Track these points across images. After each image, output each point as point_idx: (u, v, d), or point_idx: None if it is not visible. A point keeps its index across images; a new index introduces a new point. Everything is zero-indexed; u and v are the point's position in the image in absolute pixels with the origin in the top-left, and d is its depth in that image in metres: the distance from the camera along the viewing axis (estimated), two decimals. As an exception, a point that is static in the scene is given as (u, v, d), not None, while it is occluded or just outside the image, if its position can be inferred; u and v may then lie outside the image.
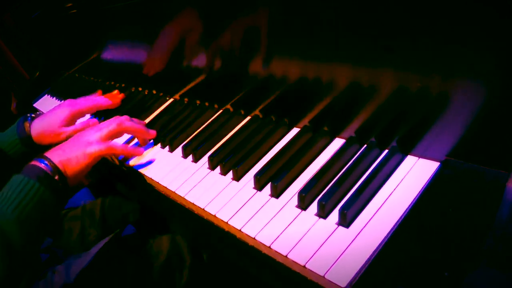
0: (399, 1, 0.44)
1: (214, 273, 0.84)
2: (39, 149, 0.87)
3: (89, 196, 1.09)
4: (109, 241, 0.78)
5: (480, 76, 0.41)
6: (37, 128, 0.86)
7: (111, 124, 0.71)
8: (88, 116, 0.97)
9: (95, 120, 0.88)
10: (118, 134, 0.72)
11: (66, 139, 0.82)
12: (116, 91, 0.96)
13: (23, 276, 0.58)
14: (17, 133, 0.86)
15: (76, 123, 0.88)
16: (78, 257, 0.79)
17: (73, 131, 0.85)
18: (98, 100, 0.91)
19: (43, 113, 0.90)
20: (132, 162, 0.72)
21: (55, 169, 0.63)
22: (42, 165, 0.62)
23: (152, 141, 0.76)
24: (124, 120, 0.73)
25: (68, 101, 0.89)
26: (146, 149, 0.75)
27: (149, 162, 0.70)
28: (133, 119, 0.76)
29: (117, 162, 0.77)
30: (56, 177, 0.62)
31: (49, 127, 0.86)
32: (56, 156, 0.64)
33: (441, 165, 0.47)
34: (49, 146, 0.86)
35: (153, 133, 0.76)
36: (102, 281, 0.74)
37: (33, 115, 0.89)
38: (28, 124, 0.86)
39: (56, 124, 0.85)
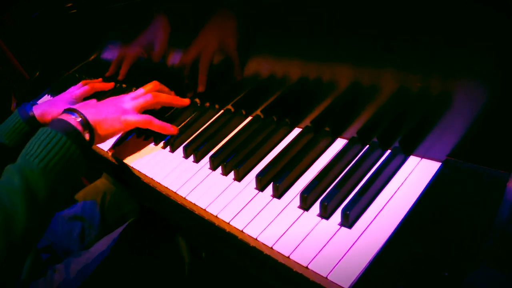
0: (399, 1, 0.44)
1: (213, 271, 0.85)
2: None
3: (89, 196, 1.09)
4: (113, 243, 0.78)
5: (480, 76, 0.41)
6: (40, 107, 0.90)
7: (148, 95, 0.72)
8: None
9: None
10: (152, 106, 0.73)
11: None
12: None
13: (42, 234, 0.57)
14: (20, 116, 0.87)
15: None
16: (78, 255, 0.79)
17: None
18: (95, 85, 1.00)
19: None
20: (133, 162, 0.73)
21: (87, 125, 0.63)
22: (71, 118, 0.63)
23: (153, 142, 0.76)
24: (159, 92, 0.74)
25: (69, 89, 0.98)
26: (147, 150, 0.75)
27: (150, 162, 0.70)
28: (164, 87, 0.78)
29: (116, 162, 0.78)
30: (87, 135, 0.63)
31: (53, 106, 0.90)
32: (90, 113, 0.65)
33: (442, 165, 0.48)
34: None
35: (187, 101, 0.78)
36: (101, 279, 0.75)
37: (31, 103, 0.92)
38: (28, 107, 0.90)
39: (61, 103, 0.90)
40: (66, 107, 0.83)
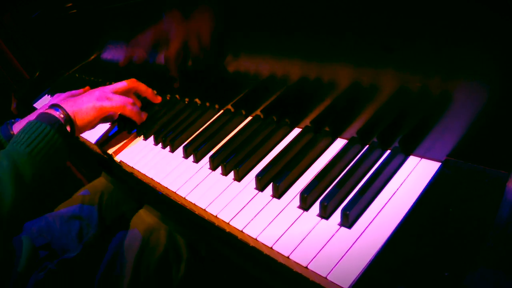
0: (399, 1, 0.44)
1: (211, 268, 0.85)
2: None
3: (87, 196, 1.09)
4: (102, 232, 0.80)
5: (480, 76, 0.41)
6: (20, 127, 0.88)
7: (123, 82, 0.79)
8: None
9: None
10: (126, 90, 0.79)
11: None
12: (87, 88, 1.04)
13: (28, 210, 0.65)
14: (2, 135, 0.89)
15: None
16: (77, 251, 0.80)
17: None
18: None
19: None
20: (133, 161, 0.73)
21: (67, 116, 0.71)
22: (56, 113, 0.70)
23: (153, 142, 0.76)
24: (131, 79, 0.81)
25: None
26: (147, 150, 0.75)
27: (150, 162, 0.70)
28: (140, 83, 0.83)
29: (117, 161, 0.78)
30: (68, 125, 0.70)
31: None
32: (68, 106, 0.72)
33: (441, 165, 0.48)
34: None
35: (159, 98, 0.85)
36: (92, 268, 0.77)
37: (12, 121, 0.93)
38: (10, 126, 0.91)
39: None
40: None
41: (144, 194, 0.72)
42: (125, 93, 0.79)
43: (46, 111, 0.70)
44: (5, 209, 0.57)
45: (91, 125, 0.75)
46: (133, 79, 0.81)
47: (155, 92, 0.85)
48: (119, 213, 1.01)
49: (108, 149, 0.80)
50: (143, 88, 0.82)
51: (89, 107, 0.73)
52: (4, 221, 0.57)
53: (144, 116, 0.80)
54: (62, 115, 0.70)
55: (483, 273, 0.36)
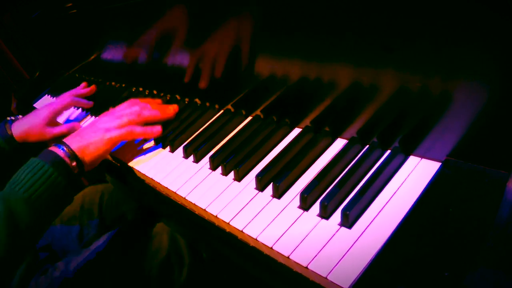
0: (399, 1, 0.44)
1: (213, 272, 0.84)
2: (21, 149, 0.90)
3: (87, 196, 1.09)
4: (109, 237, 0.78)
5: (480, 76, 0.41)
6: (19, 128, 0.88)
7: (132, 114, 0.71)
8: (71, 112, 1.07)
9: (78, 124, 0.92)
10: (138, 124, 0.72)
11: (52, 139, 0.88)
12: (84, 84, 1.05)
13: (23, 259, 0.60)
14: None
15: (62, 124, 0.93)
16: (78, 254, 0.79)
17: (59, 133, 0.88)
18: (72, 97, 0.97)
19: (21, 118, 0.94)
20: (132, 162, 0.73)
21: (73, 155, 0.63)
22: (59, 151, 0.63)
23: (153, 142, 0.76)
24: (141, 109, 0.73)
25: (44, 105, 0.94)
26: (148, 151, 0.75)
27: (150, 163, 0.70)
28: (147, 100, 0.77)
29: (117, 162, 0.78)
30: (74, 163, 0.63)
31: (33, 127, 0.88)
32: (74, 142, 0.65)
33: (442, 165, 0.48)
34: (34, 144, 0.90)
35: (170, 112, 0.77)
36: (101, 276, 0.75)
37: (12, 118, 0.92)
38: (8, 126, 0.89)
39: (40, 124, 0.88)
40: (46, 129, 0.88)
41: (144, 194, 0.72)
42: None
43: (51, 148, 0.64)
44: None
45: (101, 159, 0.69)
46: (135, 107, 0.73)
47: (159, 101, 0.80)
48: (119, 213, 1.01)
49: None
50: (151, 118, 0.74)
51: (98, 140, 0.67)
52: None
53: (157, 129, 0.72)
54: (67, 154, 0.63)
55: (483, 273, 0.36)
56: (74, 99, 0.97)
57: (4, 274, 0.55)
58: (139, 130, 0.70)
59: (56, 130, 0.89)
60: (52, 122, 0.90)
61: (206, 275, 0.83)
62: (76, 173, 0.64)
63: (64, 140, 0.66)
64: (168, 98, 0.89)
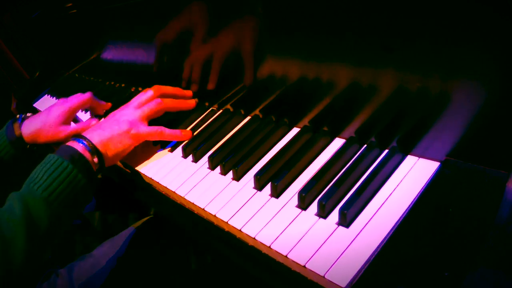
0: (399, 1, 0.44)
1: (216, 274, 0.84)
2: (30, 152, 0.84)
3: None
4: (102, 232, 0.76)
5: (479, 76, 0.41)
6: (31, 126, 0.82)
7: (151, 102, 0.68)
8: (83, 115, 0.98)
9: (96, 120, 0.86)
10: (158, 113, 0.68)
11: (65, 139, 0.81)
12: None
13: (43, 261, 0.55)
14: (6, 136, 0.82)
15: (72, 124, 0.86)
16: (81, 259, 0.78)
17: (74, 131, 0.82)
18: (93, 95, 0.89)
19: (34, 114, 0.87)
20: (132, 162, 0.72)
21: (94, 149, 0.60)
22: (79, 146, 0.59)
23: (151, 141, 0.76)
24: (162, 98, 0.69)
25: (59, 100, 0.87)
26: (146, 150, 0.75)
27: (149, 162, 0.70)
28: (167, 88, 0.72)
29: (119, 164, 0.77)
30: (95, 159, 0.59)
31: (46, 125, 0.82)
32: (96, 135, 0.61)
33: (441, 165, 0.47)
34: (42, 145, 0.84)
35: (192, 103, 0.73)
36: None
37: (23, 116, 0.85)
38: (18, 125, 0.82)
39: (54, 123, 0.82)
40: (61, 127, 0.80)
41: (143, 193, 0.72)
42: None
43: (69, 143, 0.59)
44: (17, 262, 0.49)
45: (124, 155, 0.64)
46: (156, 88, 0.70)
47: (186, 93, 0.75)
48: (121, 219, 1.00)
49: None
50: (172, 106, 0.70)
51: (122, 134, 0.62)
52: (17, 275, 0.49)
53: (187, 134, 0.69)
54: (88, 148, 0.59)
55: (483, 273, 0.36)
56: (94, 98, 0.89)
57: (27, 276, 0.51)
58: (168, 132, 0.67)
59: (70, 129, 0.82)
60: (67, 121, 0.83)
61: (210, 277, 0.83)
62: (96, 170, 0.60)
63: (84, 133, 0.61)
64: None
